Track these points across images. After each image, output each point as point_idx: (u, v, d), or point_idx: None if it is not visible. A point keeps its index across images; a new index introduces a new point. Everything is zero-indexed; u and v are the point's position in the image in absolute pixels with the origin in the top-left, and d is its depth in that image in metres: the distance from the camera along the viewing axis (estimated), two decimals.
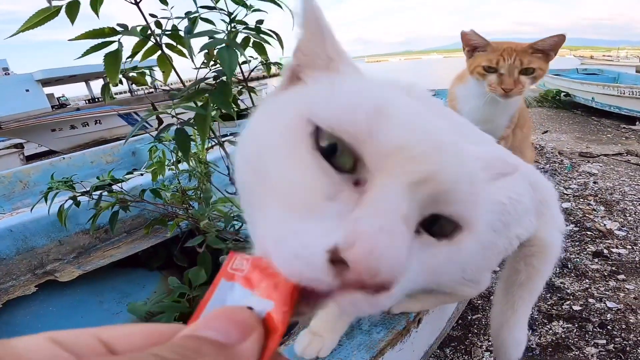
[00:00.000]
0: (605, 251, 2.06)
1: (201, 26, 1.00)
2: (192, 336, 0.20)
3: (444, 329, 1.08)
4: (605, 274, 1.87)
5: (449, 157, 0.27)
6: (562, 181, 3.15)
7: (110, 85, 1.07)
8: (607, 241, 2.16)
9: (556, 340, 1.48)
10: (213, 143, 1.23)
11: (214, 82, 0.96)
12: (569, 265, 1.96)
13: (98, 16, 0.98)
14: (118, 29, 0.93)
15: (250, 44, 1.06)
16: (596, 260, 1.99)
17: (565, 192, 2.95)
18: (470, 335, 1.57)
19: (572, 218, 2.49)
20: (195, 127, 0.95)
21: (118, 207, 1.43)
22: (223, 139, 1.20)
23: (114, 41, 0.93)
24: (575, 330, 1.52)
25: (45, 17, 0.89)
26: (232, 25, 0.98)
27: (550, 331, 1.53)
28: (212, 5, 0.99)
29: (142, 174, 1.91)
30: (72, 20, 0.92)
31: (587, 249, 2.10)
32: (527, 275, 0.86)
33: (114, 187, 1.49)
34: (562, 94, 6.74)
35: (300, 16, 0.33)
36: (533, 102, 7.23)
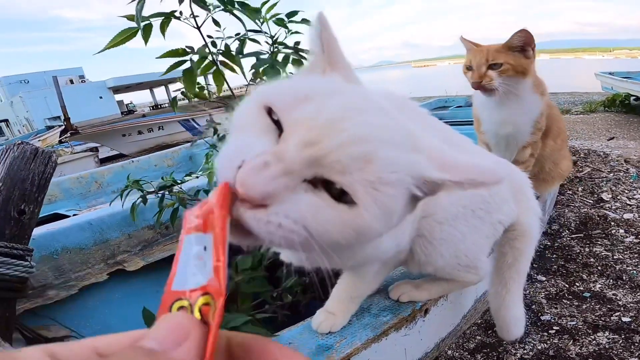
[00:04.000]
0: None
1: (249, 46, 1.16)
2: (132, 347, 0.24)
3: (459, 325, 1.13)
4: None
5: (337, 136, 0.36)
6: (626, 191, 2.94)
7: (187, 94, 1.26)
8: None
9: (598, 351, 1.43)
10: None
11: None
12: (624, 277, 1.87)
13: (164, 37, 1.14)
14: (187, 49, 1.09)
15: (290, 62, 1.18)
16: None
17: (628, 202, 2.76)
18: (504, 342, 1.56)
19: (633, 230, 2.33)
20: None
21: (178, 205, 1.60)
22: None
23: (186, 60, 1.09)
24: (620, 342, 1.46)
25: (127, 37, 1.07)
26: (275, 45, 1.12)
27: (594, 342, 1.49)
28: (258, 29, 1.13)
29: (197, 177, 2.10)
30: (146, 41, 1.09)
31: None
32: (513, 257, 0.96)
33: (175, 187, 1.66)
34: (632, 97, 6.25)
35: (311, 37, 0.47)
36: (599, 106, 6.79)
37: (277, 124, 0.38)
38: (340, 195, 0.37)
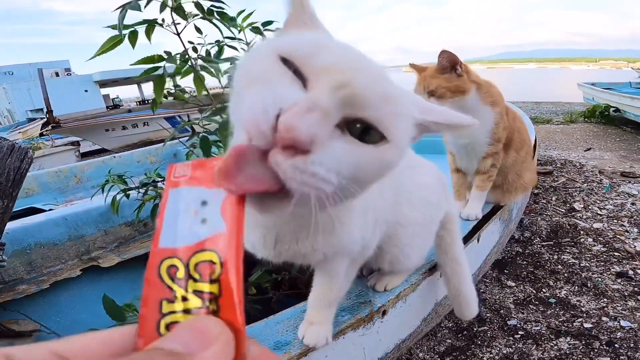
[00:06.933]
0: (631, 272, 2.01)
1: (227, 52, 1.21)
2: (150, 349, 0.22)
3: (419, 327, 1.17)
4: (626, 294, 1.84)
5: (363, 75, 0.39)
6: (598, 201, 3.03)
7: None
8: (634, 262, 2.10)
9: (559, 356, 1.49)
10: None
11: None
12: (589, 284, 1.94)
13: (150, 42, 1.17)
14: (164, 55, 1.12)
15: None
16: (619, 280, 1.95)
17: (599, 212, 2.84)
18: (473, 346, 1.61)
19: (601, 239, 2.42)
20: (219, 136, 1.12)
21: (159, 200, 1.61)
22: None
23: (161, 66, 1.12)
24: (581, 347, 1.52)
25: (114, 44, 1.10)
26: None
27: (555, 347, 1.54)
28: (234, 36, 1.18)
29: None
30: (133, 46, 1.12)
31: (611, 269, 2.05)
32: (450, 237, 1.11)
33: (159, 183, 1.67)
34: (612, 109, 6.40)
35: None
36: (579, 117, 6.94)
37: (296, 73, 0.40)
38: (362, 135, 0.39)
